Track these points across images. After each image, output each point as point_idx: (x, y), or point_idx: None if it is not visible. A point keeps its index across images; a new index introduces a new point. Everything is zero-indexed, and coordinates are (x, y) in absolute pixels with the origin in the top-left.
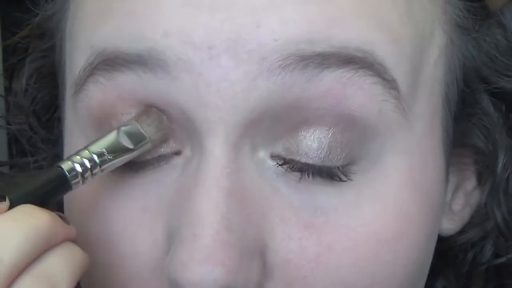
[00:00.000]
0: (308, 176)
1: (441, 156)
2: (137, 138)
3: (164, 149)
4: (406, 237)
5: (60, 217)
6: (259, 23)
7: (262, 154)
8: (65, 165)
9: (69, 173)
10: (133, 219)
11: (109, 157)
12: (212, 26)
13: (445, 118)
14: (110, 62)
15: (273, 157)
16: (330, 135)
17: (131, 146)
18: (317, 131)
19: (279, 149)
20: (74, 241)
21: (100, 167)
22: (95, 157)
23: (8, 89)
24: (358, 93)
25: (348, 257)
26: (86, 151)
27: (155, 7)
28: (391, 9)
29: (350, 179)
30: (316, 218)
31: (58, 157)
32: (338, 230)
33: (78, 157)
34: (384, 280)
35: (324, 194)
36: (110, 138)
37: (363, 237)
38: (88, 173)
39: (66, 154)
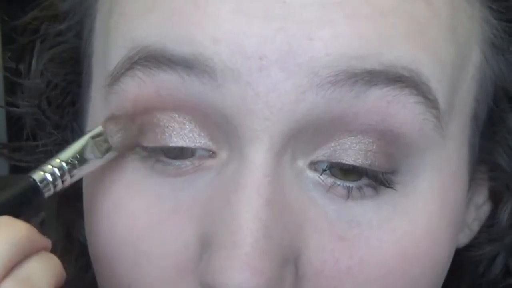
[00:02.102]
0: (347, 187)
1: (466, 174)
2: (103, 147)
3: (199, 149)
4: (433, 253)
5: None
6: (312, 36)
7: (301, 163)
8: (37, 176)
9: (40, 183)
10: (162, 219)
11: (77, 164)
12: (264, 36)
13: (473, 135)
14: (152, 59)
15: (312, 165)
16: (374, 146)
17: (98, 155)
18: (361, 141)
19: (319, 157)
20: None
21: (70, 173)
22: (64, 164)
23: (8, 70)
24: (401, 111)
25: (378, 271)
26: (57, 160)
27: (204, 10)
28: (437, 29)
29: (393, 188)
30: (350, 231)
31: (67, 142)
32: (370, 244)
33: (49, 166)
34: None
35: (360, 206)
36: (78, 147)
37: (394, 252)
38: (58, 181)
39: None
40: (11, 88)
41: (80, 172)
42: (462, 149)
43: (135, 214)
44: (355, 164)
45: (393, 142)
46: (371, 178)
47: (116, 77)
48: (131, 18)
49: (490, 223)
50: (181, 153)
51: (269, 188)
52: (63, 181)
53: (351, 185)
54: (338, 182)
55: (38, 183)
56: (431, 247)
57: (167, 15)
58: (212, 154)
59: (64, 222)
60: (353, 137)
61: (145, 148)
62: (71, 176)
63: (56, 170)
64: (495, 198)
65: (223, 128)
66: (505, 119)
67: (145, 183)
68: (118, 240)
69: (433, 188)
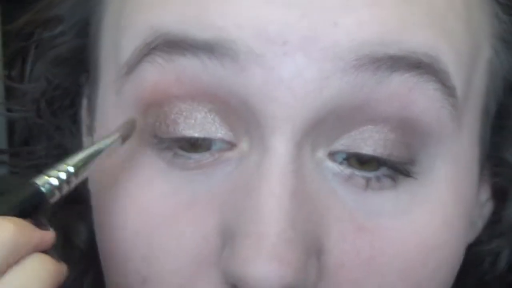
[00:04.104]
0: (366, 177)
1: (477, 167)
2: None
3: (218, 141)
4: (449, 245)
5: (37, 224)
6: (336, 22)
7: (321, 153)
8: (40, 181)
9: (45, 188)
10: (179, 211)
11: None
12: (288, 22)
13: (484, 129)
14: (173, 44)
15: (331, 155)
16: (393, 135)
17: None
18: (381, 130)
19: (338, 147)
20: (49, 245)
21: (76, 175)
22: (69, 168)
23: (7, 76)
24: (421, 98)
25: (399, 262)
26: (64, 165)
27: None
28: (455, 18)
29: (413, 177)
30: (369, 221)
31: (62, 146)
32: (390, 234)
33: (55, 171)
34: (427, 287)
35: (379, 197)
36: (89, 152)
37: (414, 242)
38: (64, 184)
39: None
40: (11, 93)
41: (86, 170)
42: (475, 143)
43: (150, 207)
44: (373, 154)
45: (412, 130)
46: (389, 168)
47: (133, 65)
48: (149, 6)
49: (494, 219)
50: (200, 144)
51: (292, 178)
52: (68, 184)
53: (369, 175)
54: (357, 173)
55: (42, 189)
56: (448, 237)
57: (187, 2)
58: (231, 146)
59: (62, 227)
60: (373, 126)
61: (163, 140)
62: (77, 177)
63: (62, 174)
64: (498, 195)
65: (243, 117)
66: None
67: (161, 176)
68: (133, 234)
69: (449, 178)
